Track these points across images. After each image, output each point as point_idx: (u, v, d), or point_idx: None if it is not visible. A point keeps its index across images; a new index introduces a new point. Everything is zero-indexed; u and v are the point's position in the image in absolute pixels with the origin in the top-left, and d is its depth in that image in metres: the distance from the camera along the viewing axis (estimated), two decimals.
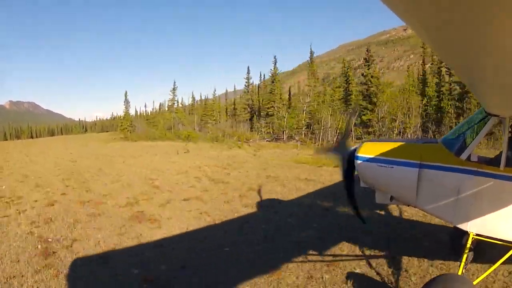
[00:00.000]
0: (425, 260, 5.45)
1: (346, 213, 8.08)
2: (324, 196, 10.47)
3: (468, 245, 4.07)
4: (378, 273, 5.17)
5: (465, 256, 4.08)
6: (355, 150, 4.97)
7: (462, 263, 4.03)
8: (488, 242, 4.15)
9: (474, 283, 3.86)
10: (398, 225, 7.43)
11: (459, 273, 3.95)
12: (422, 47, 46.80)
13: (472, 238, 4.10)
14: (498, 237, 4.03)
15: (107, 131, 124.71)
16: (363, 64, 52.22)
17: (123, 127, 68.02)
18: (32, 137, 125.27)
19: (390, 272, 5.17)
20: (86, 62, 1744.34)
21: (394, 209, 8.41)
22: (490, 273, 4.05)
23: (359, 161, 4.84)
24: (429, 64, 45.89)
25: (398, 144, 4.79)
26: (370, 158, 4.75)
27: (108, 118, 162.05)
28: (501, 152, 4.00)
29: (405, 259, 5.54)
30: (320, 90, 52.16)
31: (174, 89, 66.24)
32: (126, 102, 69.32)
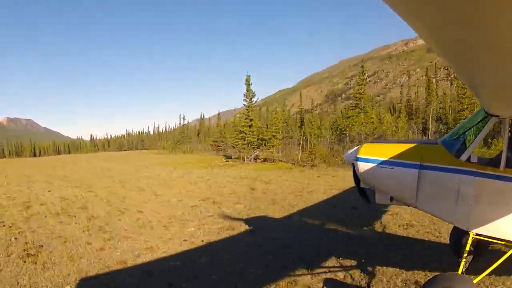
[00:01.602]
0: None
1: None
2: None
3: (468, 245, 4.12)
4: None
5: (465, 255, 4.11)
6: (356, 151, 5.02)
7: (462, 262, 4.08)
8: (488, 241, 4.14)
9: (474, 282, 3.87)
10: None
11: (459, 272, 3.99)
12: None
13: (472, 238, 4.12)
14: (498, 237, 4.06)
15: (127, 150, 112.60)
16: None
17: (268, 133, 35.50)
18: (35, 155, 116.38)
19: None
20: (84, 80, 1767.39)
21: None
22: (489, 272, 4.02)
23: (359, 162, 4.87)
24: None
25: (398, 145, 4.81)
26: (370, 159, 4.78)
27: (122, 134, 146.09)
28: (501, 153, 4.02)
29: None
30: None
31: (363, 72, 36.15)
32: (249, 94, 33.89)
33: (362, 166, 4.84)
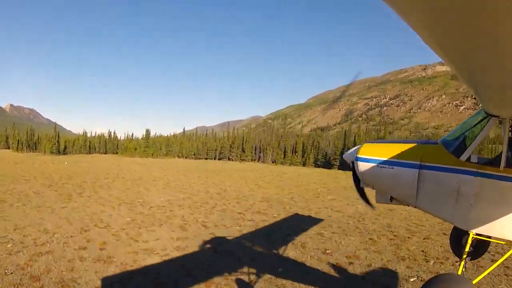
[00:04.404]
0: None
1: None
2: None
3: (468, 245, 4.09)
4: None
5: (464, 256, 4.09)
6: (355, 151, 5.06)
7: (462, 263, 4.06)
8: (488, 241, 4.08)
9: (474, 282, 3.82)
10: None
11: (459, 272, 3.97)
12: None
13: (472, 238, 4.10)
14: (498, 237, 4.03)
15: (219, 159, 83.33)
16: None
17: None
18: (58, 152, 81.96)
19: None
20: (89, 75, 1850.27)
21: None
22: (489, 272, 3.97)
23: (359, 162, 4.88)
24: None
25: (398, 145, 4.81)
26: (370, 159, 4.78)
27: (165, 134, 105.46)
28: (501, 153, 4.01)
29: None
30: None
31: None
32: None
33: (362, 166, 4.85)
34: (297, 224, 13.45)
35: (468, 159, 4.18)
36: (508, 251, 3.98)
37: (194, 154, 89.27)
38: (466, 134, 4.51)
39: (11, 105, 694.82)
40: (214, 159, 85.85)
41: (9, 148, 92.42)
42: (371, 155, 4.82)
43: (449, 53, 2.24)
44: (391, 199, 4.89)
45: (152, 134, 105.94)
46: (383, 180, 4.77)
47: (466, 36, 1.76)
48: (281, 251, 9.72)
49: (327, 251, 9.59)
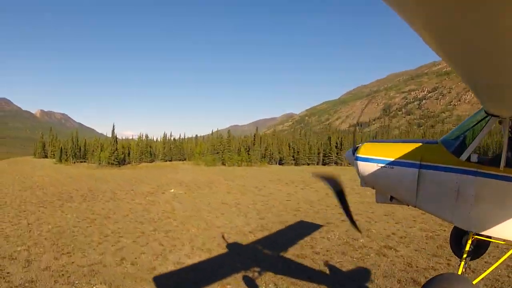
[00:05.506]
0: None
1: None
2: None
3: (468, 245, 4.11)
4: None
5: (465, 255, 4.11)
6: (355, 150, 5.07)
7: (462, 263, 4.07)
8: (488, 241, 4.07)
9: (474, 282, 3.85)
10: None
11: (459, 272, 3.97)
12: None
13: (472, 237, 4.11)
14: (498, 237, 4.03)
15: (324, 163, 68.61)
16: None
17: None
18: (119, 163, 67.43)
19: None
20: (119, 77, 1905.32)
21: None
22: (490, 272, 3.96)
23: (359, 162, 4.88)
24: None
25: (398, 144, 4.82)
26: (370, 158, 4.80)
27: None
28: (501, 153, 3.99)
29: None
30: None
31: None
32: None
33: (362, 166, 4.87)
34: None
35: (468, 158, 4.17)
36: (508, 251, 3.96)
37: (294, 159, 70.52)
38: (466, 134, 4.51)
39: (41, 110, 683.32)
40: (317, 164, 69.49)
41: (46, 156, 78.15)
42: (371, 154, 4.83)
43: (449, 53, 2.26)
44: (391, 198, 4.90)
45: (175, 136, 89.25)
46: (383, 180, 4.78)
47: (466, 36, 1.78)
48: None
49: None
